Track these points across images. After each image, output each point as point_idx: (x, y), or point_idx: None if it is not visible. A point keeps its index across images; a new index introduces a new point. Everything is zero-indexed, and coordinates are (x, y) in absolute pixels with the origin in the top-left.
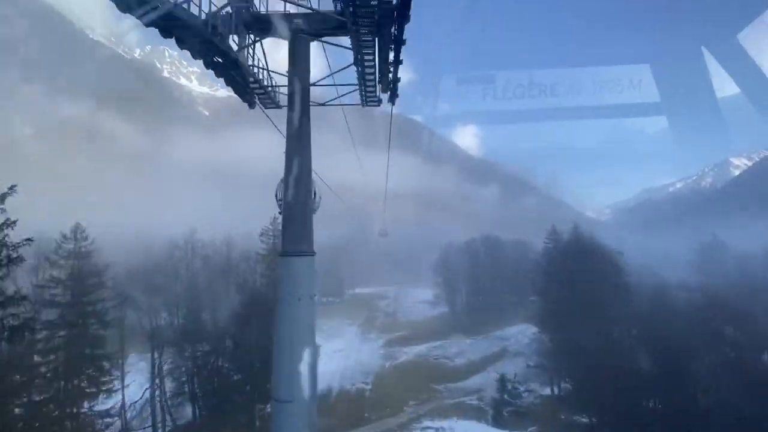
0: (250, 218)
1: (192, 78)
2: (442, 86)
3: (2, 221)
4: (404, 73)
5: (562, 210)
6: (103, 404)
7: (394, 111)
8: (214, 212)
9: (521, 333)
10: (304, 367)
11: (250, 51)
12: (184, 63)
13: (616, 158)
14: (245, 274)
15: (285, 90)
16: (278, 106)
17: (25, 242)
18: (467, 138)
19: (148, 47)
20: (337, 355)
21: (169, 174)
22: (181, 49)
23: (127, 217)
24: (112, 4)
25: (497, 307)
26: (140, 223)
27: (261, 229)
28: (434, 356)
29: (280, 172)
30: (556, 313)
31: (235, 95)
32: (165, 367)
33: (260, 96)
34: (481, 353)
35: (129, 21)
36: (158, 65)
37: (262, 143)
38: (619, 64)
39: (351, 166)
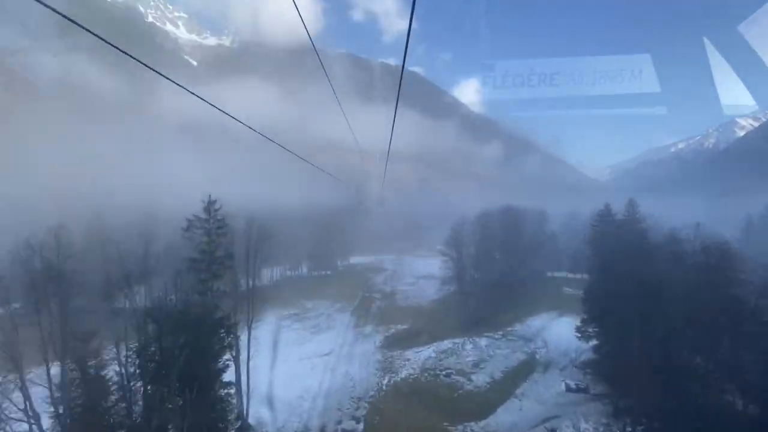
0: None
1: (179, 24)
2: (444, 38)
3: None
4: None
5: (564, 170)
6: None
7: (391, 62)
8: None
9: (547, 327)
10: None
11: None
12: (170, 7)
13: (617, 118)
14: None
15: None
16: None
17: None
18: (468, 93)
19: None
20: (321, 364)
21: (149, 130)
22: None
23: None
24: None
25: (514, 288)
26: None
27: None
28: (445, 369)
29: (270, 128)
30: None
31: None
32: None
33: None
34: (503, 363)
35: None
36: (141, 9)
37: (253, 95)
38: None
39: (344, 122)
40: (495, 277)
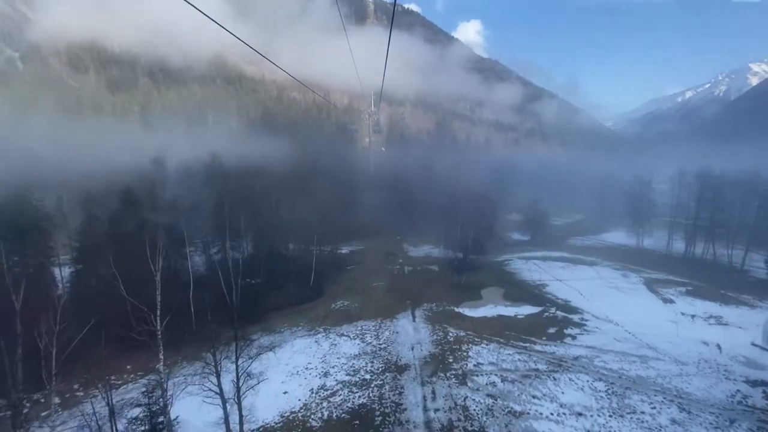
0: None
1: None
2: None
3: None
4: None
5: (581, 118)
6: None
7: None
8: None
9: None
10: None
11: None
12: None
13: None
14: None
15: None
16: None
17: None
18: (471, 35)
19: None
20: None
21: None
22: None
23: None
24: None
25: None
26: None
27: None
28: None
29: None
30: None
31: None
32: None
33: None
34: None
35: None
36: None
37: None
38: None
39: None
40: None
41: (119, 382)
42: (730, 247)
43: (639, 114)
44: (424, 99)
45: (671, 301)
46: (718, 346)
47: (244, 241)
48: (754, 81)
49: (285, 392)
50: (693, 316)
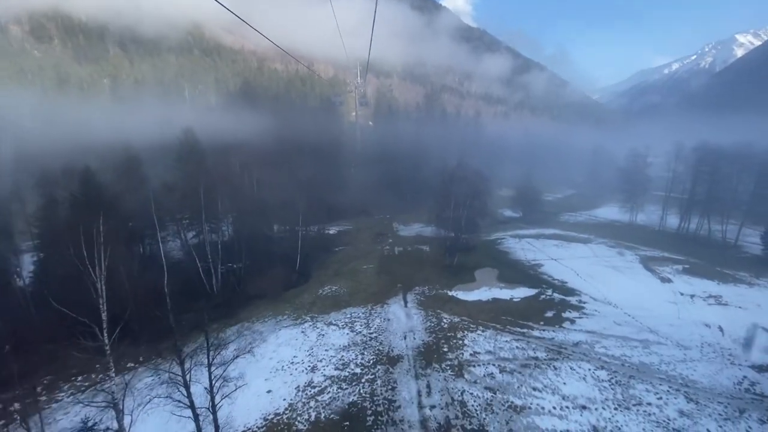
0: None
1: None
2: None
3: None
4: None
5: (569, 91)
6: None
7: None
8: None
9: None
10: None
11: None
12: None
13: (612, 33)
14: None
15: None
16: None
17: None
18: (459, 2)
19: None
20: None
21: None
22: None
23: None
24: None
25: None
26: None
27: None
28: None
29: None
30: None
31: None
32: None
33: None
34: None
35: None
36: None
37: None
38: None
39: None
40: None
41: (60, 395)
42: (725, 222)
43: (626, 86)
44: (412, 71)
45: (669, 281)
46: (720, 328)
47: (224, 224)
48: (740, 52)
49: (269, 391)
50: (692, 296)
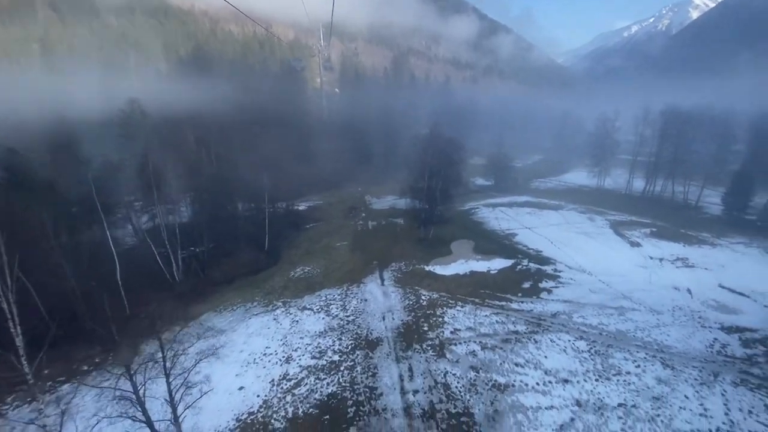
0: None
1: None
2: None
3: None
4: None
5: (535, 55)
6: None
7: None
8: None
9: None
10: None
11: None
12: None
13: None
14: None
15: None
16: None
17: None
18: None
19: None
20: None
21: None
22: None
23: None
24: None
25: None
26: None
27: None
28: None
29: None
30: None
31: None
32: None
33: None
34: None
35: None
36: None
37: None
38: None
39: None
40: None
41: None
42: (687, 184)
43: (588, 50)
44: (378, 33)
45: (638, 245)
46: (689, 291)
47: (182, 204)
48: (695, 14)
49: (240, 388)
50: (661, 260)
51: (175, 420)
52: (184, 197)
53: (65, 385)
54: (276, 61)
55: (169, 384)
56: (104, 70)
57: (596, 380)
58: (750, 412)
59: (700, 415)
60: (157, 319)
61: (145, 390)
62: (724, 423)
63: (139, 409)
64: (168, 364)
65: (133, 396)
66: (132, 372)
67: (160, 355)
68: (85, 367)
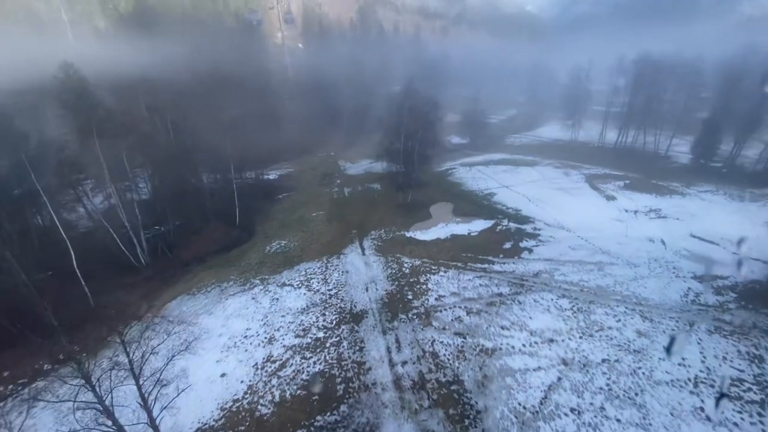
0: None
1: None
2: None
3: None
4: None
5: (504, 2)
6: None
7: None
8: None
9: None
10: None
11: None
12: None
13: None
14: None
15: None
16: None
17: None
18: None
19: None
20: None
21: None
22: None
23: None
24: None
25: None
26: None
27: None
28: None
29: None
30: None
31: None
32: None
33: None
34: None
35: None
36: None
37: None
38: None
39: None
40: None
41: None
42: (657, 134)
43: None
44: None
45: (613, 198)
46: (663, 242)
47: (140, 180)
48: None
49: (223, 375)
50: (635, 212)
51: (152, 422)
52: (141, 172)
53: (10, 400)
54: (231, 14)
55: (140, 387)
56: (31, 28)
57: (580, 338)
58: (725, 358)
59: (679, 364)
60: (115, 319)
61: (112, 398)
62: (701, 371)
63: (109, 419)
64: (136, 366)
65: (99, 406)
66: (94, 383)
67: (124, 358)
68: (40, 380)
